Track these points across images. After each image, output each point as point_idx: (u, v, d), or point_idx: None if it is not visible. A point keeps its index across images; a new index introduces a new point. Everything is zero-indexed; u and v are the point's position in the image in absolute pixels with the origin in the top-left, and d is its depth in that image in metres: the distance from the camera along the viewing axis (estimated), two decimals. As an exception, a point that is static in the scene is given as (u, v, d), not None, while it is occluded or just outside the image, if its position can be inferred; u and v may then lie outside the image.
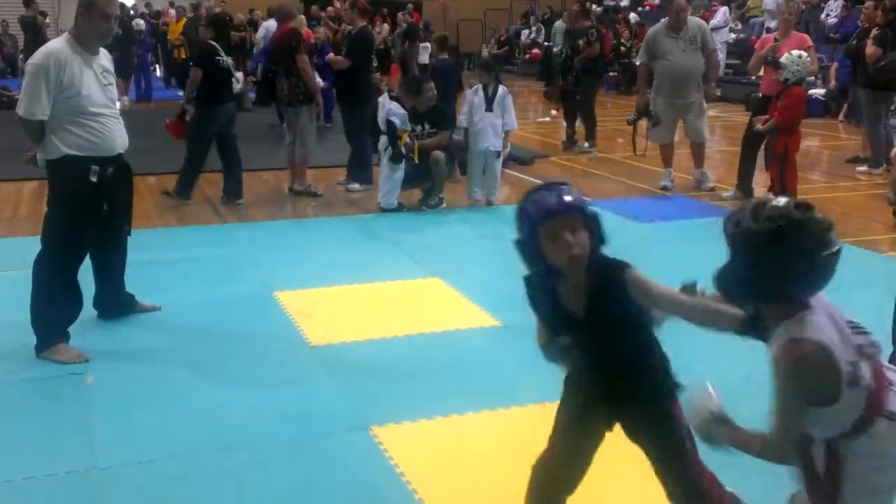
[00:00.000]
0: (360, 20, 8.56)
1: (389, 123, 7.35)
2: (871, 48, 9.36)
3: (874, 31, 9.52)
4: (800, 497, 2.17)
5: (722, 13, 18.71)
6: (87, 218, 4.35)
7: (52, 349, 4.28)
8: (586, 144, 10.93)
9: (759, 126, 7.49)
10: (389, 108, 7.41)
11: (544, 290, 2.41)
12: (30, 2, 16.41)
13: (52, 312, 4.35)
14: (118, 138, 4.42)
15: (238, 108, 8.62)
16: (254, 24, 18.73)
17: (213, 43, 7.81)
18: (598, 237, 2.34)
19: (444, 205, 7.69)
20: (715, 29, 18.06)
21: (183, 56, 16.56)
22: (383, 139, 7.46)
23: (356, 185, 8.39)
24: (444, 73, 9.05)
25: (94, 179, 4.28)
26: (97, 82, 4.31)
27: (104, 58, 4.47)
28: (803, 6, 11.40)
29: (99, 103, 4.30)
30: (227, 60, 7.82)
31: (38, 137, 4.26)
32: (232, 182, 7.84)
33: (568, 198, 2.32)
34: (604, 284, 2.32)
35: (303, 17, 12.34)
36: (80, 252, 4.47)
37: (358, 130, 8.39)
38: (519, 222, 2.35)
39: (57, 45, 4.29)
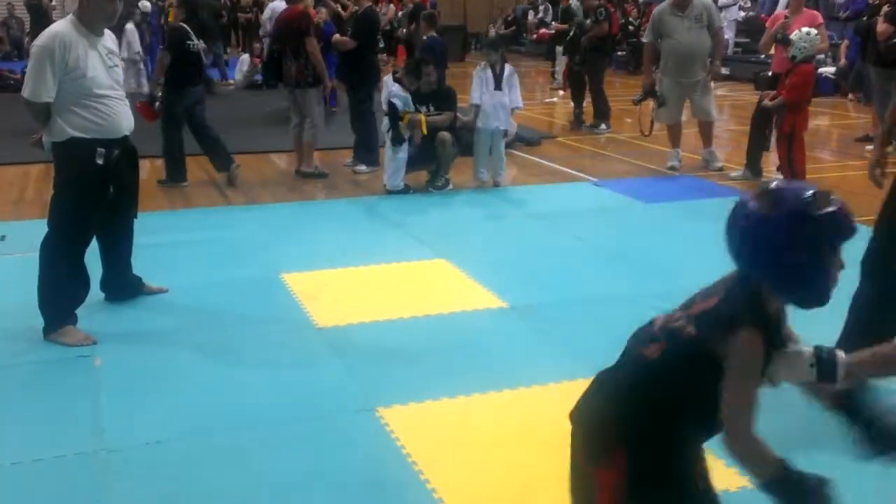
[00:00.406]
0: (366, 1, 8.51)
1: (391, 105, 7.33)
2: (882, 25, 9.26)
3: (885, 9, 9.42)
4: None
5: None
6: (94, 201, 4.36)
7: (59, 332, 4.30)
8: (603, 126, 10.83)
9: (766, 101, 7.44)
10: (391, 90, 7.38)
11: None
12: None
13: (60, 295, 4.36)
14: (124, 120, 4.41)
15: (208, 92, 8.58)
16: (260, 5, 18.67)
17: (184, 25, 7.75)
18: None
19: (451, 186, 7.67)
20: (723, 7, 17.93)
21: None
22: (386, 121, 7.44)
23: (363, 167, 8.37)
24: (432, 51, 8.96)
25: (100, 162, 4.28)
26: (102, 64, 4.30)
27: (109, 39, 4.46)
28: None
29: (104, 85, 4.28)
30: (199, 44, 7.77)
31: (43, 119, 4.26)
32: (216, 158, 7.83)
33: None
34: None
35: None
36: (87, 235, 4.47)
37: (364, 112, 8.36)
38: (802, 237, 1.84)
39: (61, 26, 4.27)
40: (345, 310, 4.77)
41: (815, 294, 1.93)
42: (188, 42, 7.60)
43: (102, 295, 4.79)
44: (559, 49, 15.08)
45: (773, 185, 1.92)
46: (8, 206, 7.16)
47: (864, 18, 10.45)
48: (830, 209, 1.83)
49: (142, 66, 13.20)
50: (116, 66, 4.44)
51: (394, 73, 7.78)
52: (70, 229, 4.36)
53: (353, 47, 8.27)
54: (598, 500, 1.96)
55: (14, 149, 9.44)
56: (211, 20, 16.33)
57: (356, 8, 8.92)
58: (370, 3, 8.59)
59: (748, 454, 1.82)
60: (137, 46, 11.53)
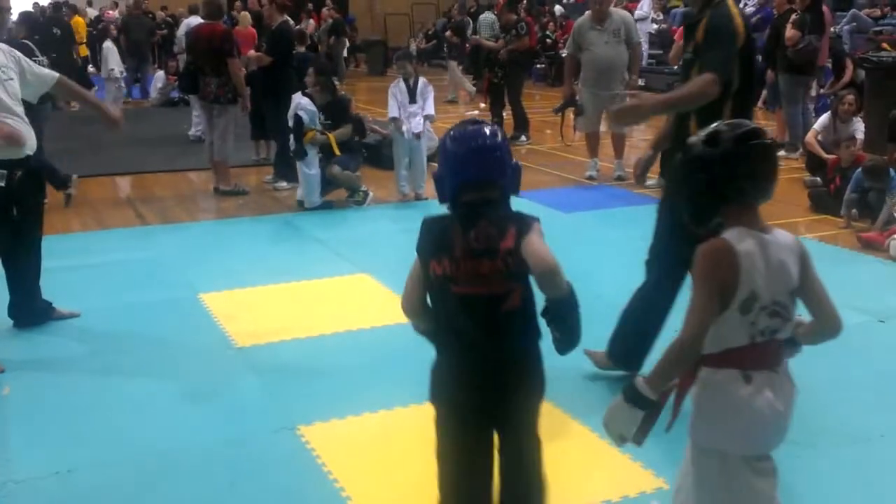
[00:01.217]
0: (279, 15, 8.44)
1: (296, 118, 7.28)
2: (790, 31, 9.60)
3: (793, 16, 9.77)
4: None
5: (647, 3, 18.99)
6: (5, 225, 4.20)
7: None
8: (523, 137, 10.95)
9: None
10: (299, 103, 7.31)
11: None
12: None
13: None
14: (26, 140, 4.27)
15: (52, 107, 8.39)
16: (173, 22, 18.38)
17: (27, 42, 7.55)
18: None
19: (371, 197, 7.64)
20: (638, 20, 18.36)
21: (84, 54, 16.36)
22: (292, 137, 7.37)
23: (283, 184, 8.28)
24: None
25: (1, 184, 4.14)
26: None
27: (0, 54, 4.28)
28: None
29: (1, 105, 4.13)
30: (43, 60, 7.59)
31: None
32: (53, 178, 7.56)
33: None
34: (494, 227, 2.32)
35: (247, 14, 12.14)
36: None
37: (283, 127, 8.28)
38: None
39: None
40: (265, 328, 4.70)
41: None
42: (34, 58, 7.37)
43: (10, 321, 4.63)
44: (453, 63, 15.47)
45: None
46: None
47: (769, 30, 10.79)
48: None
49: (122, 83, 12.78)
50: (12, 79, 4.27)
51: (304, 89, 7.68)
52: None
53: (268, 63, 8.19)
54: None
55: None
56: (145, 38, 16.04)
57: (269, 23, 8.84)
58: (284, 19, 8.51)
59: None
60: (114, 64, 11.11)
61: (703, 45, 3.52)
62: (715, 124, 2.18)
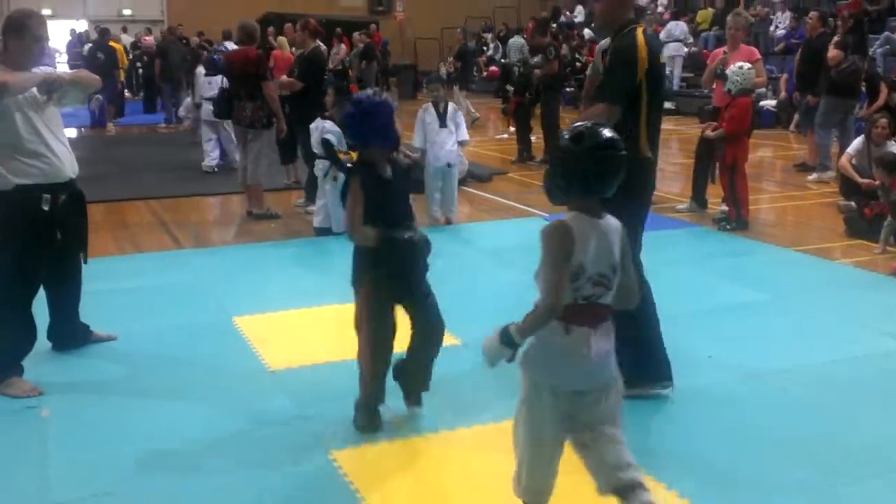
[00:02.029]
0: (312, 41, 8.56)
1: (325, 142, 7.33)
2: (833, 51, 9.57)
3: (836, 38, 9.76)
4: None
5: (677, 26, 18.94)
6: (41, 249, 4.29)
7: (4, 383, 4.20)
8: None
9: (708, 132, 7.63)
10: (323, 127, 7.32)
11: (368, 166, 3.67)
12: None
13: (5, 346, 4.27)
14: (67, 164, 4.35)
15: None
16: (208, 47, 18.63)
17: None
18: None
19: None
20: (667, 42, 18.37)
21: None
22: (321, 163, 7.39)
23: (314, 207, 8.36)
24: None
25: (45, 208, 4.22)
26: (35, 105, 4.21)
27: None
28: (752, 19, 11.62)
29: (41, 127, 4.22)
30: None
31: None
32: None
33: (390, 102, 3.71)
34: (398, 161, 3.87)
35: (284, 39, 12.28)
36: (34, 284, 4.40)
37: (313, 152, 8.37)
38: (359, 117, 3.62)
39: None
40: (297, 352, 4.75)
41: None
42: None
43: (49, 344, 4.71)
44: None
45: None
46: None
47: (804, 51, 10.75)
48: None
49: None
50: (46, 101, 4.30)
51: (323, 113, 7.70)
52: (16, 279, 4.28)
53: (300, 88, 8.30)
54: None
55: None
56: (179, 64, 16.32)
57: (301, 49, 8.97)
58: (316, 44, 8.62)
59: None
60: (203, 91, 10.99)
61: (605, 72, 3.80)
62: (582, 125, 2.64)
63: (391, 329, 3.79)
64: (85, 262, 4.66)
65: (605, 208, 2.65)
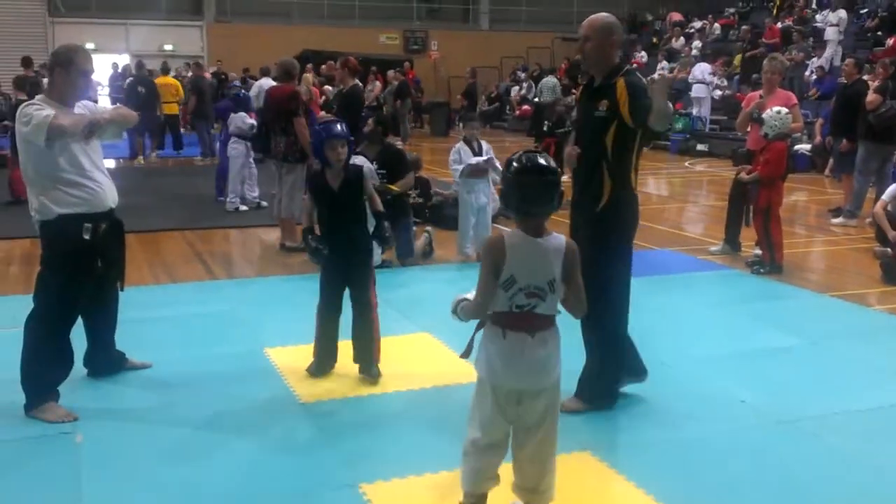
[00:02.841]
0: (350, 79, 8.70)
1: None
2: (871, 96, 9.55)
3: (876, 83, 9.74)
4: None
5: (704, 68, 19.00)
6: (82, 277, 4.37)
7: (40, 408, 4.26)
8: None
9: (743, 175, 7.62)
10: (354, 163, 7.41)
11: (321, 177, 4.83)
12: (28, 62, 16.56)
13: (43, 371, 4.33)
14: (108, 193, 4.45)
15: None
16: (245, 83, 18.98)
17: None
18: (350, 151, 4.83)
19: (434, 255, 7.78)
20: (695, 83, 18.43)
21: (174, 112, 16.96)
22: None
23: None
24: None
25: (87, 237, 4.31)
26: (79, 138, 4.29)
27: (82, 109, 4.43)
28: (787, 63, 11.63)
29: (85, 158, 4.32)
30: None
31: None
32: None
33: (339, 129, 4.76)
34: (350, 176, 4.78)
35: (309, 76, 12.49)
36: (74, 312, 4.48)
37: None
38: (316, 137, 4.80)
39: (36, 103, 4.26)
40: (329, 385, 4.77)
41: None
42: None
43: (85, 371, 4.77)
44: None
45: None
46: (-8, 281, 7.14)
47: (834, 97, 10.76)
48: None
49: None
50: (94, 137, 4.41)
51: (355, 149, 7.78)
52: (57, 306, 4.35)
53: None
54: None
55: (-1, 223, 9.51)
56: (210, 99, 16.58)
57: (341, 86, 9.12)
58: (355, 82, 8.78)
59: None
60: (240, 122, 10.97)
61: (632, 101, 4.02)
62: (518, 153, 3.00)
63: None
64: (122, 290, 4.74)
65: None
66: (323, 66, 17.78)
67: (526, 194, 2.92)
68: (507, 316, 2.96)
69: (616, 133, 4.08)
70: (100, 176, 4.42)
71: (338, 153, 4.68)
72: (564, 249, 2.97)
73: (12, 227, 9.33)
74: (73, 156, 4.28)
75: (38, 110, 4.13)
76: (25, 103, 4.28)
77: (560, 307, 3.06)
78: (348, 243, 4.78)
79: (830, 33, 18.75)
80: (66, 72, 4.30)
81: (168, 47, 25.78)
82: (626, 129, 4.08)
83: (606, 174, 4.12)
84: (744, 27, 22.06)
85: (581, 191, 4.25)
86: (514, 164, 2.96)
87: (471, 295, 3.03)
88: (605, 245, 4.16)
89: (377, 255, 7.45)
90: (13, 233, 8.93)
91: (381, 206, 4.92)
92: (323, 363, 4.90)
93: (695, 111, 18.73)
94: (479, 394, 3.07)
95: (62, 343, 4.40)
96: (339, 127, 4.78)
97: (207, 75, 18.40)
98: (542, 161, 2.95)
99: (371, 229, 4.89)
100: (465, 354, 3.12)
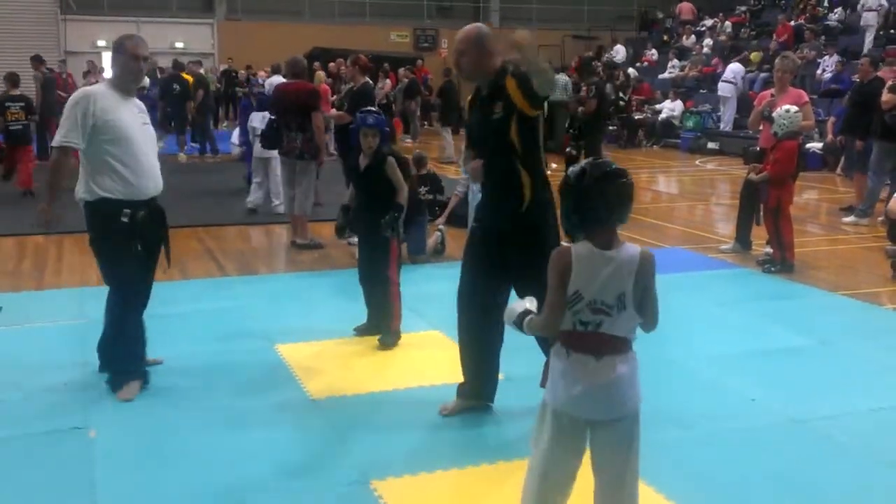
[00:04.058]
0: (361, 77, 8.72)
1: None
2: (887, 95, 9.50)
3: (890, 82, 9.69)
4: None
5: (731, 69, 18.75)
6: (126, 255, 4.52)
7: (126, 388, 4.49)
8: None
9: (752, 175, 7.60)
10: None
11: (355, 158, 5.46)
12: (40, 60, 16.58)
13: (131, 350, 4.61)
14: (151, 182, 4.57)
15: None
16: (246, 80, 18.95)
17: None
18: (382, 139, 5.33)
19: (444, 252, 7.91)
20: (724, 82, 18.27)
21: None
22: None
23: (355, 239, 8.43)
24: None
25: (125, 220, 4.45)
26: (135, 122, 4.52)
27: (137, 102, 4.69)
28: (799, 62, 11.58)
29: (138, 143, 4.48)
30: None
31: (61, 173, 4.47)
32: None
33: (373, 120, 5.31)
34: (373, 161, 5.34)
35: (321, 73, 12.53)
36: (139, 286, 4.67)
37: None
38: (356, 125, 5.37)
39: (95, 86, 4.60)
40: (339, 381, 4.78)
41: None
42: None
43: (97, 364, 4.79)
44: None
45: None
46: (4, 278, 7.18)
47: (847, 95, 10.70)
48: None
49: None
50: (147, 123, 4.65)
51: None
52: (122, 283, 4.56)
53: (349, 121, 8.42)
54: None
55: (11, 220, 9.55)
56: (209, 97, 16.60)
57: (352, 83, 9.13)
58: (366, 80, 8.78)
59: None
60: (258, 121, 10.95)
61: (524, 88, 3.89)
62: (582, 163, 2.76)
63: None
64: (168, 267, 4.93)
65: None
66: (331, 64, 17.81)
67: (607, 203, 2.65)
68: (571, 335, 2.71)
69: (518, 128, 3.99)
70: (147, 163, 4.55)
71: (368, 141, 5.23)
72: (638, 260, 2.70)
73: (25, 223, 9.38)
74: (123, 143, 4.43)
75: (71, 119, 4.35)
76: (82, 93, 4.50)
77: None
78: (369, 225, 5.30)
79: (869, 18, 18.33)
80: (119, 56, 4.54)
81: (179, 45, 25.81)
82: (526, 120, 4.00)
83: (523, 171, 4.03)
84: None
85: (499, 196, 4.13)
86: (589, 172, 2.68)
87: (531, 305, 2.87)
88: (546, 246, 3.84)
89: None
90: (25, 229, 8.98)
91: (400, 200, 5.30)
92: (371, 323, 5.53)
93: (721, 110, 18.58)
94: (539, 418, 2.82)
95: (139, 320, 4.69)
96: (373, 118, 5.28)
97: (207, 70, 18.32)
98: (615, 166, 2.72)
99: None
100: (543, 383, 2.86)
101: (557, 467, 2.77)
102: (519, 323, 2.86)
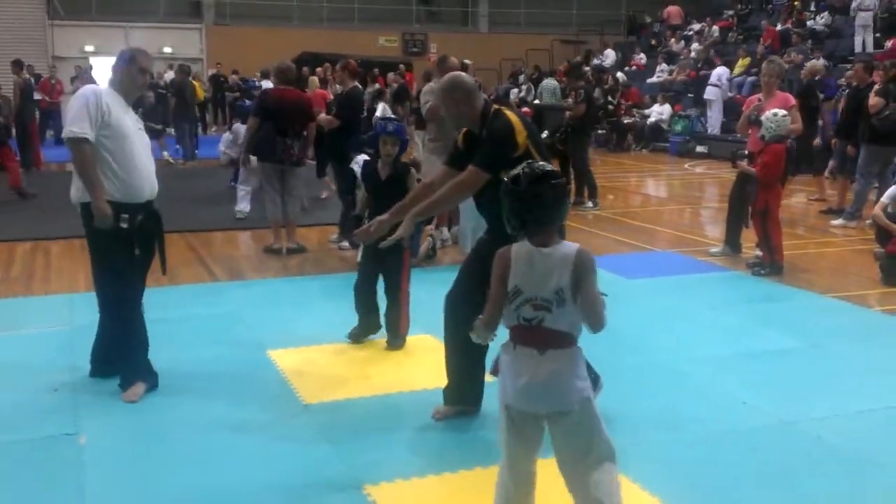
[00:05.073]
0: (350, 81, 8.72)
1: (350, 171, 7.46)
2: (873, 99, 9.56)
3: (876, 86, 9.76)
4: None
5: (716, 72, 18.88)
6: (124, 256, 4.52)
7: (132, 390, 4.50)
8: (589, 203, 10.94)
9: (740, 163, 7.70)
10: (356, 159, 7.51)
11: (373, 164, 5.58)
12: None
13: (138, 351, 4.61)
14: (147, 186, 4.57)
15: None
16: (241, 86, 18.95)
17: None
18: (401, 148, 5.49)
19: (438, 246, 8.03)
20: (712, 86, 18.35)
21: None
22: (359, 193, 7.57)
23: (346, 244, 8.44)
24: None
25: (124, 226, 4.44)
26: (134, 126, 4.55)
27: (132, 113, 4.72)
28: (786, 66, 11.65)
29: (137, 146, 4.50)
30: None
31: (89, 166, 4.36)
32: None
33: (393, 128, 5.49)
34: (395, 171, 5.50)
35: (315, 79, 12.55)
36: (136, 287, 4.67)
37: (349, 188, 8.48)
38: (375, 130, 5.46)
39: (99, 87, 4.60)
40: (332, 386, 4.78)
41: None
42: None
43: (88, 370, 4.78)
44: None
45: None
46: (-7, 284, 7.15)
47: (834, 100, 10.75)
48: None
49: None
50: (142, 130, 4.68)
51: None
52: (119, 285, 4.54)
53: (337, 126, 8.43)
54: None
55: (0, 226, 9.51)
56: (191, 101, 16.54)
57: (341, 88, 9.14)
58: (355, 84, 8.78)
59: None
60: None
61: (480, 146, 3.98)
62: (521, 165, 2.89)
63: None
64: (164, 273, 4.86)
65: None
66: (318, 69, 17.77)
67: (543, 204, 2.81)
68: (517, 329, 2.85)
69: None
70: (142, 166, 4.55)
71: (388, 149, 5.36)
72: (574, 257, 2.80)
73: (14, 228, 9.36)
74: (121, 142, 4.43)
75: (81, 110, 4.33)
76: (91, 89, 4.51)
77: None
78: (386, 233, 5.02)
79: (865, 18, 18.27)
80: (128, 67, 4.58)
81: (167, 50, 25.77)
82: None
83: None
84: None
85: (495, 227, 4.08)
86: (524, 175, 2.83)
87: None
88: None
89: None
90: (14, 235, 8.95)
91: None
92: (361, 329, 5.52)
93: (708, 113, 18.65)
94: (499, 418, 2.93)
95: (140, 319, 4.67)
96: (393, 126, 5.43)
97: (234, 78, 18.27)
98: (547, 168, 2.89)
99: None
100: (494, 372, 2.97)
101: (518, 461, 2.89)
102: (472, 329, 2.95)
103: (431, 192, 4.18)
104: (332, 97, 12.64)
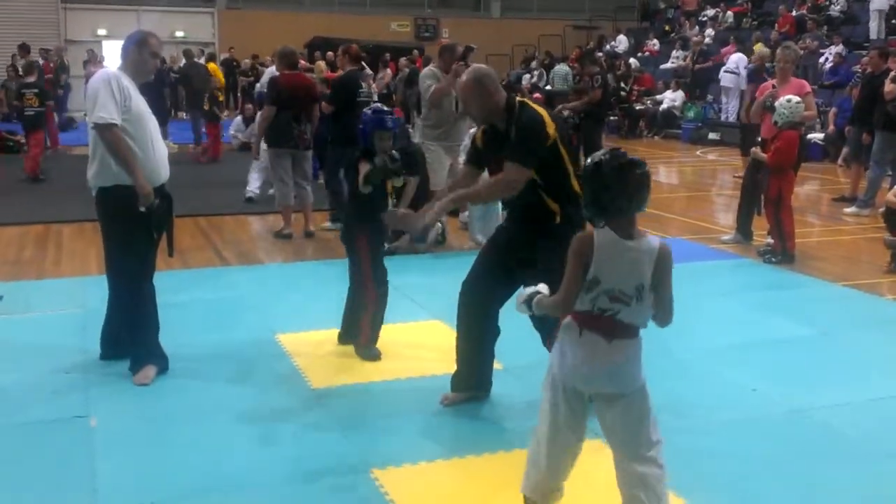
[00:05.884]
0: (349, 65, 8.65)
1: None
2: (889, 86, 9.48)
3: (893, 73, 9.68)
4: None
5: (734, 59, 18.70)
6: (141, 240, 4.54)
7: (143, 372, 4.52)
8: None
9: (753, 149, 7.66)
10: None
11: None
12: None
13: (149, 334, 4.63)
14: (162, 169, 4.59)
15: None
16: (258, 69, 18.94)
17: None
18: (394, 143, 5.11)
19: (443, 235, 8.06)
20: (728, 72, 18.15)
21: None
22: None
23: (338, 226, 8.42)
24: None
25: (142, 210, 4.43)
26: (147, 109, 4.56)
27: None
28: (801, 53, 11.54)
29: (151, 130, 4.52)
30: None
31: (123, 150, 4.35)
32: None
33: (389, 122, 5.02)
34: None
35: (322, 63, 12.53)
36: (149, 272, 4.69)
37: (336, 174, 8.48)
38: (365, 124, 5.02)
39: (113, 70, 4.57)
40: (340, 371, 4.79)
41: None
42: None
43: (96, 354, 4.80)
44: None
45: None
46: (5, 267, 7.17)
47: (849, 87, 10.66)
48: None
49: None
50: (151, 113, 4.66)
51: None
52: (132, 270, 4.55)
53: (330, 111, 8.35)
54: None
55: (12, 209, 9.56)
56: (202, 87, 16.51)
57: (341, 72, 9.08)
58: (353, 68, 8.67)
59: None
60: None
61: (513, 142, 3.91)
62: (601, 152, 2.80)
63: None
64: (171, 256, 4.88)
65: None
66: (329, 53, 17.72)
67: (626, 192, 2.71)
68: (588, 316, 2.78)
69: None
70: (157, 149, 4.57)
71: (384, 144, 5.02)
72: (657, 253, 2.75)
73: (26, 212, 9.40)
74: (139, 125, 4.45)
75: (107, 95, 4.31)
76: (110, 73, 4.48)
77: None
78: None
79: (879, 4, 18.04)
80: (140, 50, 4.58)
81: (179, 34, 25.78)
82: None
83: (549, 200, 3.94)
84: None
85: (528, 219, 4.04)
86: (607, 161, 2.74)
87: (542, 288, 2.92)
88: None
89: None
90: (26, 218, 9.00)
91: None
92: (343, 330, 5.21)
93: (723, 101, 18.50)
94: (548, 394, 2.91)
95: (153, 303, 4.69)
96: (388, 119, 5.08)
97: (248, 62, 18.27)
98: (632, 156, 2.77)
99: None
100: (550, 346, 2.97)
101: (565, 437, 2.90)
102: (528, 301, 2.91)
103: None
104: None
